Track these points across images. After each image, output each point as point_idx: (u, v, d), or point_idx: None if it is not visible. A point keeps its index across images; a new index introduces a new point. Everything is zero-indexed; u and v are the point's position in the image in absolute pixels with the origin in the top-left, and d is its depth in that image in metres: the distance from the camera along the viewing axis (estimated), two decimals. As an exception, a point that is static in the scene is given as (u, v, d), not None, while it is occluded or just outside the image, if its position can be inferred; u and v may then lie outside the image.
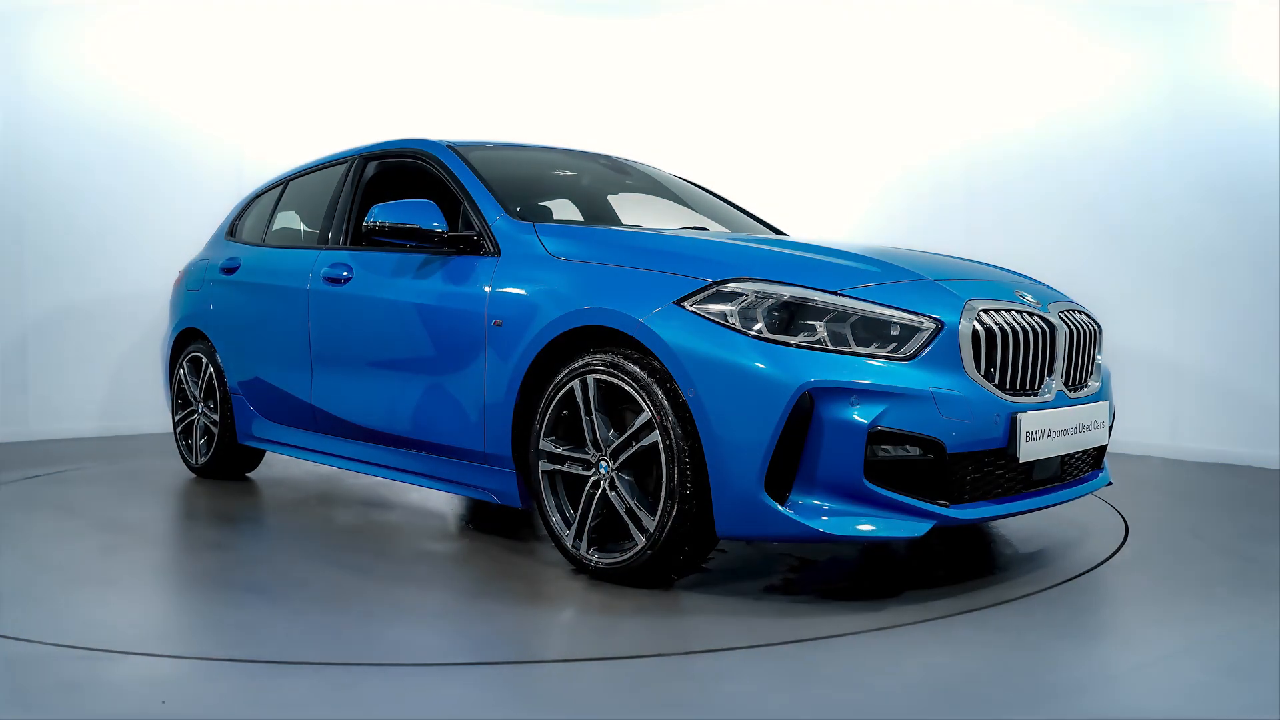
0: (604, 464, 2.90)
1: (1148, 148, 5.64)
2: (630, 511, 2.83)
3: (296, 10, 6.99)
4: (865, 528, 2.60)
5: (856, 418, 2.56)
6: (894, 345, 2.68)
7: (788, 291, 2.71)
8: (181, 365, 5.00)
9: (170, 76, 6.63)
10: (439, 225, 3.41)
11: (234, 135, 6.81)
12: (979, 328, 2.76)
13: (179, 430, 5.05)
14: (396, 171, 4.11)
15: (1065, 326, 3.03)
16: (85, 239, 6.39)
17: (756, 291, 2.72)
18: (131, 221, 6.50)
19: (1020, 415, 2.76)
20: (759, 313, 2.69)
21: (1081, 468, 3.20)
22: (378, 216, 3.47)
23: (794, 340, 2.65)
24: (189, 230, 5.78)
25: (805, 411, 2.56)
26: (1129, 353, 5.36)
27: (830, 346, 2.65)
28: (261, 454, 4.93)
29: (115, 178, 6.45)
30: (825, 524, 2.58)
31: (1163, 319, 5.59)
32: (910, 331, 2.70)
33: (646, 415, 2.77)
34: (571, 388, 2.96)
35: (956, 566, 3.22)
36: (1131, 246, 5.70)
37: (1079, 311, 3.22)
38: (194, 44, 6.69)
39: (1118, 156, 5.75)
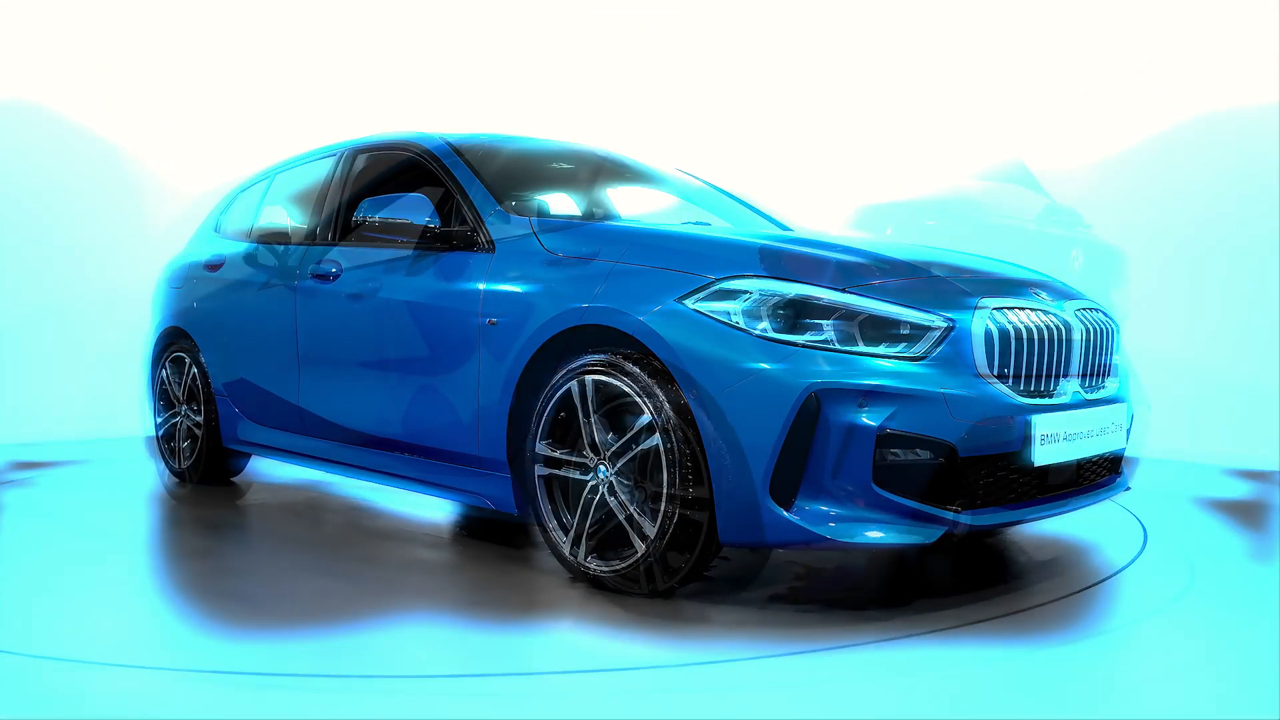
0: (603, 468, 2.82)
1: (1164, 143, 5.58)
2: (630, 518, 2.75)
3: (283, 1, 6.90)
4: (874, 534, 2.53)
5: (865, 420, 2.49)
6: (904, 345, 2.61)
7: (793, 289, 2.64)
8: (164, 366, 4.90)
9: (152, 68, 6.54)
10: (431, 220, 3.36)
11: (219, 128, 6.71)
12: (992, 327, 2.68)
13: (161, 433, 4.95)
14: (387, 165, 4.04)
15: (1082, 325, 2.94)
16: (64, 234, 6.30)
17: (761, 289, 2.65)
18: (113, 217, 6.41)
19: (1035, 418, 2.68)
20: (763, 311, 2.62)
21: (1099, 473, 3.12)
22: (367, 212, 3.40)
23: (800, 339, 2.58)
24: (172, 226, 5.68)
25: (811, 413, 2.50)
26: (1148, 354, 5.29)
27: (837, 346, 2.58)
28: (247, 458, 4.84)
29: (96, 171, 6.36)
30: (832, 530, 2.51)
31: (1182, 319, 5.53)
32: (921, 330, 2.62)
33: (647, 417, 2.69)
34: (569, 389, 2.89)
35: (968, 575, 3.17)
36: (1149, 244, 5.64)
37: (1096, 310, 3.13)
38: (176, 35, 6.61)
39: (1133, 152, 5.71)
